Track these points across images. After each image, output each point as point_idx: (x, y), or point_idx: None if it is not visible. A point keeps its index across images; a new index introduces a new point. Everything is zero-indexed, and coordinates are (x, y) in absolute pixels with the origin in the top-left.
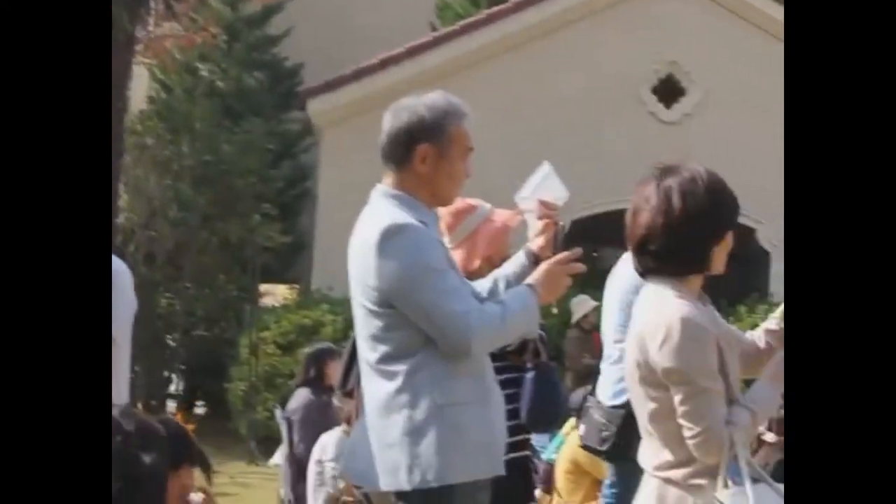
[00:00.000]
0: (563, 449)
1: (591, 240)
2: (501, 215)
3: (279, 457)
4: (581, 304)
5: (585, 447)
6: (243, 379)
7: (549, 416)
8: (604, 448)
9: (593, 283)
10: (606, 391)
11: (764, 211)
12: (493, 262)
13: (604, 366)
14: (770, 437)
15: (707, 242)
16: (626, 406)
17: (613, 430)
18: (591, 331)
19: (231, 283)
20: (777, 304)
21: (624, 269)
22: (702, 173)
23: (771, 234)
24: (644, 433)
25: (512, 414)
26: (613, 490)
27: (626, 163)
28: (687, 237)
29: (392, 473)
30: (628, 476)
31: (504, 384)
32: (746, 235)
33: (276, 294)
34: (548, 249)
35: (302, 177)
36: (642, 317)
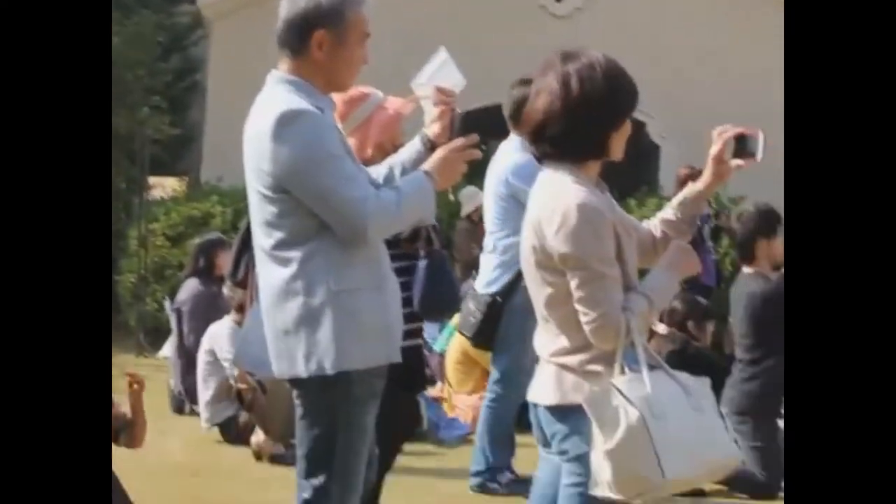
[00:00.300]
0: (453, 340)
1: (481, 132)
2: (394, 103)
3: (168, 348)
4: (470, 197)
5: (460, 332)
6: (132, 271)
7: (441, 304)
8: (470, 334)
9: (482, 174)
10: (481, 280)
11: (653, 104)
12: (385, 150)
13: (482, 256)
14: (661, 328)
15: (605, 128)
16: (495, 294)
17: (479, 316)
18: (479, 222)
19: (119, 176)
20: (666, 198)
21: (501, 159)
22: (600, 59)
23: (661, 127)
24: (540, 319)
25: (405, 302)
26: (498, 385)
27: (517, 56)
28: (585, 122)
29: (288, 361)
30: (510, 370)
31: (397, 272)
32: (636, 129)
33: (165, 186)
34: (444, 136)
35: (191, 69)
36: (538, 202)
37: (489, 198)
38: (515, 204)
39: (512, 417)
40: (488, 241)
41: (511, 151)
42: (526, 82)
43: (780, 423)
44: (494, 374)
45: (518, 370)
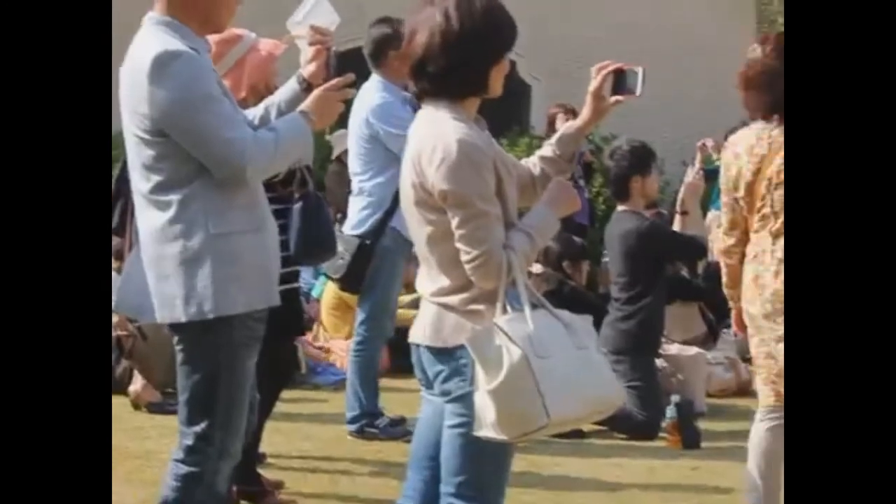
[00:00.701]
0: (328, 285)
1: (356, 72)
2: (266, 44)
3: None
4: (340, 139)
5: (328, 276)
6: None
7: (317, 247)
8: (337, 276)
9: None
10: (349, 222)
11: (524, 43)
12: (259, 92)
13: (350, 198)
14: (537, 267)
15: (484, 63)
16: (363, 236)
17: (348, 258)
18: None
19: None
20: (538, 137)
21: (362, 100)
22: None
23: (532, 66)
24: (421, 259)
25: (281, 246)
26: (363, 327)
27: None
28: (464, 57)
29: (168, 305)
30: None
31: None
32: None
33: None
34: (319, 76)
35: None
36: (418, 139)
37: (352, 139)
38: (378, 144)
39: (379, 359)
40: (355, 184)
41: (372, 92)
42: (385, 21)
43: (658, 361)
44: (360, 315)
45: (383, 312)
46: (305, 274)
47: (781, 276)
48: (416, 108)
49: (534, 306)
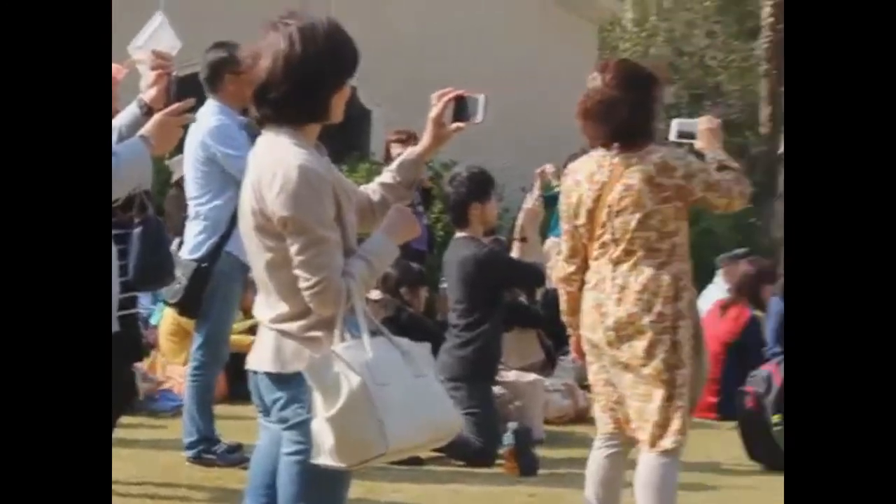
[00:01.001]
0: (167, 310)
1: (197, 97)
2: None
3: None
4: (179, 164)
5: (165, 302)
6: None
7: (157, 272)
8: (174, 301)
9: None
10: (186, 245)
11: (365, 69)
12: None
13: (187, 223)
14: (375, 294)
15: (326, 89)
16: (199, 260)
17: (185, 283)
18: None
19: None
20: (378, 163)
21: (198, 124)
22: (323, 21)
23: (373, 91)
24: (259, 285)
25: (120, 271)
26: (200, 352)
27: (233, 20)
28: (306, 82)
29: None
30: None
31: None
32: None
33: None
34: (160, 100)
35: None
36: (258, 165)
37: (189, 164)
38: (214, 167)
39: (216, 384)
40: (191, 208)
41: (208, 115)
42: (221, 45)
43: (495, 388)
44: (198, 339)
45: (220, 337)
46: (144, 300)
47: (624, 305)
48: (252, 133)
49: (373, 333)
